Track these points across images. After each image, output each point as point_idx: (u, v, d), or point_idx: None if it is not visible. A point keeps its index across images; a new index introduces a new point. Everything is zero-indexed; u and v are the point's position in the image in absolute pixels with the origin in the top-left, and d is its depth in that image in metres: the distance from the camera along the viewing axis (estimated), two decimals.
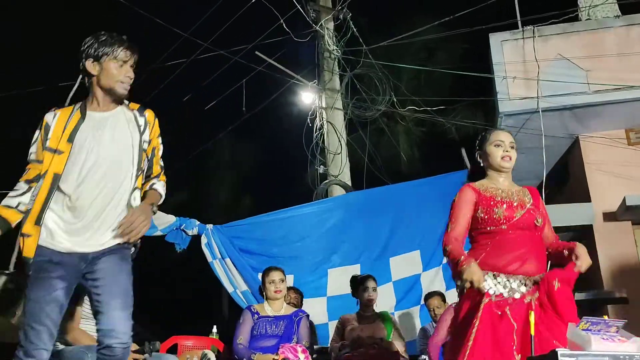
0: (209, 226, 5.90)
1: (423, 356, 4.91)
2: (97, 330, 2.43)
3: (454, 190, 6.03)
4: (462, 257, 2.67)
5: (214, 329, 4.78)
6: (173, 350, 4.76)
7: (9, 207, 2.58)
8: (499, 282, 2.67)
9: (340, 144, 7.42)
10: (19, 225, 2.57)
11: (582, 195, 7.42)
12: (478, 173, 3.08)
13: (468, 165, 6.17)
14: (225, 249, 5.81)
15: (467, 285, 2.59)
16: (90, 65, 2.62)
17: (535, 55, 7.16)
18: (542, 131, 6.68)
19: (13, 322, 3.25)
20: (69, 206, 2.54)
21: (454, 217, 2.88)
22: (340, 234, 5.99)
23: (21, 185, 2.61)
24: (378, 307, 4.94)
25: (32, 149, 2.65)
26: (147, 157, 2.69)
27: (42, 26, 14.73)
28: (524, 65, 7.25)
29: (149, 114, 2.73)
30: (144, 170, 2.69)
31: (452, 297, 5.18)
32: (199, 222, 5.90)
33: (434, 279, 5.72)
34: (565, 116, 7.24)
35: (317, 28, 7.28)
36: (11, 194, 2.60)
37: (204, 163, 13.23)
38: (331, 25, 7.46)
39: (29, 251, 2.49)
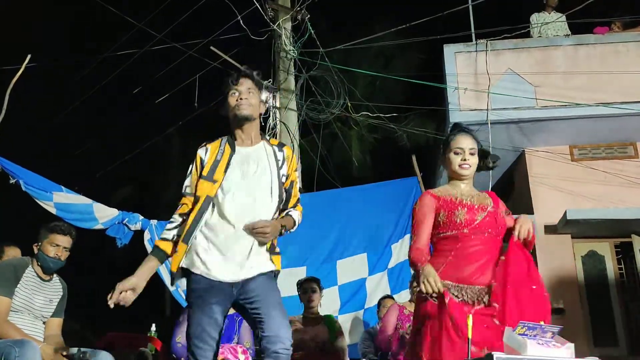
0: (153, 222, 5.78)
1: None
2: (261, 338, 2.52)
3: (404, 196, 6.12)
4: (419, 263, 2.70)
5: (153, 327, 4.66)
6: (109, 347, 4.60)
7: (165, 239, 2.69)
8: (461, 290, 2.69)
9: (293, 145, 7.37)
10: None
11: (525, 207, 7.62)
12: None
13: (418, 172, 6.26)
14: None
15: (426, 288, 2.59)
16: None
17: (487, 68, 7.34)
18: (490, 143, 6.82)
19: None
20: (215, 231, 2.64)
21: (416, 228, 2.87)
22: (287, 235, 5.94)
23: (176, 218, 2.72)
24: (323, 310, 4.93)
25: (187, 183, 2.75)
26: (286, 189, 2.82)
27: None
28: (475, 78, 7.41)
29: (287, 149, 2.86)
30: (282, 202, 2.83)
31: (399, 300, 5.25)
32: (142, 217, 5.76)
33: (379, 283, 5.76)
34: (512, 129, 7.44)
35: (275, 27, 7.22)
36: (168, 226, 2.71)
37: (153, 158, 12.94)
38: (289, 25, 7.41)
39: (174, 266, 2.62)
